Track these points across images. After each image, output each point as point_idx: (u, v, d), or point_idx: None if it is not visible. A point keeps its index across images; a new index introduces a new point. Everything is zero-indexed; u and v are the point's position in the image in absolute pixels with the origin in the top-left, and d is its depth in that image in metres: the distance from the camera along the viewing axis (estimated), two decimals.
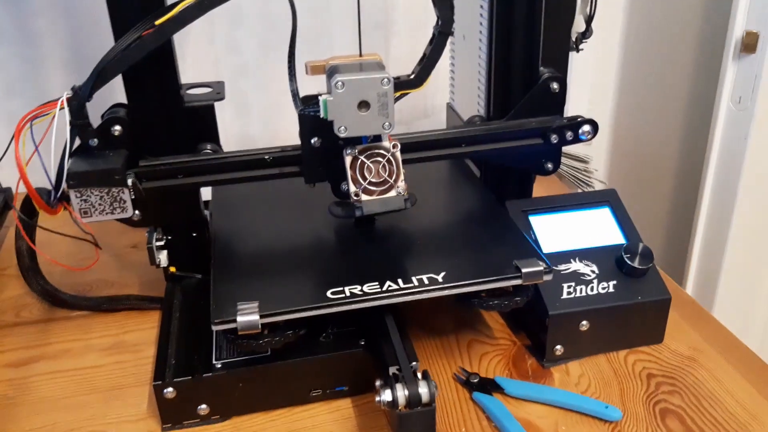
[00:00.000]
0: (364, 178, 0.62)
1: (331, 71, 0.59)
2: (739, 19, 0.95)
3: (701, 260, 1.11)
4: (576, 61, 1.15)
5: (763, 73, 0.94)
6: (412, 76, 0.63)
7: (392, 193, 0.63)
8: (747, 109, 0.97)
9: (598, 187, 1.14)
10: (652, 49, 1.21)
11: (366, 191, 0.62)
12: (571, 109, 1.20)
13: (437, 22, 0.62)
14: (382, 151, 0.62)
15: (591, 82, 1.20)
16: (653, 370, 0.66)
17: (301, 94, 0.63)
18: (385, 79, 0.57)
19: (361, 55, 0.63)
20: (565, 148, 1.12)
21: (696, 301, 0.77)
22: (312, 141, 0.63)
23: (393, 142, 0.62)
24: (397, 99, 0.62)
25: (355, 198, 0.62)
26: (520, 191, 0.77)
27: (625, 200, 0.74)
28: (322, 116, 0.58)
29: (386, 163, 0.62)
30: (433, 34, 0.63)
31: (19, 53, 0.96)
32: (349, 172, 0.62)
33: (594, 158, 1.18)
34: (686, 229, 1.15)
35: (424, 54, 0.64)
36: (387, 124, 0.59)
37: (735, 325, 0.74)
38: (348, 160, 0.62)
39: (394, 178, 0.62)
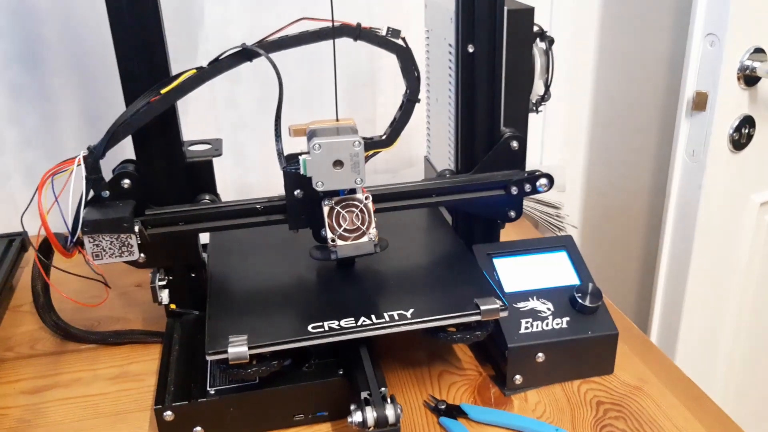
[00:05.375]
0: (340, 226, 0.70)
1: (310, 134, 0.68)
2: (689, 80, 1.04)
3: (664, 298, 1.18)
4: (550, 117, 1.25)
5: (712, 129, 1.03)
6: (383, 137, 0.72)
7: (364, 239, 0.71)
8: (699, 162, 1.06)
9: (570, 230, 1.22)
10: (620, 106, 1.30)
11: (341, 237, 0.70)
12: (546, 161, 1.29)
13: (406, 91, 0.71)
14: (355, 202, 0.70)
15: (564, 135, 1.30)
16: (602, 398, 0.73)
17: (288, 149, 0.71)
18: (357, 142, 0.66)
19: (337, 119, 0.72)
20: (539, 195, 1.21)
21: (645, 335, 0.85)
22: (295, 193, 0.71)
23: (366, 194, 0.70)
24: (370, 157, 0.70)
25: (331, 243, 0.70)
26: (488, 236, 0.85)
27: (596, 242, 0.82)
28: (302, 173, 0.67)
29: (359, 213, 0.70)
30: (403, 101, 0.72)
31: (37, 109, 1.05)
32: (326, 221, 0.70)
33: (567, 205, 1.27)
34: (654, 269, 1.22)
35: (395, 118, 0.73)
36: (359, 179, 0.67)
37: (697, 359, 0.81)
38: (326, 210, 0.70)
39: (366, 225, 0.71)
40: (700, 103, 1.03)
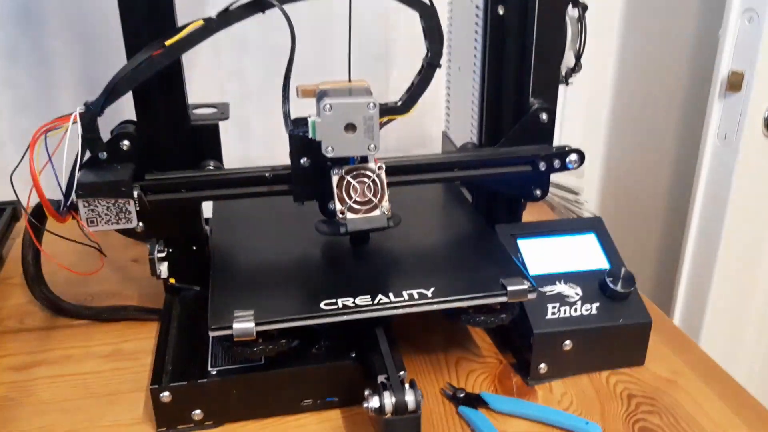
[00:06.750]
0: (350, 197, 0.65)
1: (320, 95, 0.62)
2: (725, 59, 0.99)
3: (688, 288, 1.13)
4: (570, 96, 1.20)
5: (747, 111, 0.97)
6: (399, 104, 0.67)
7: (376, 213, 0.65)
8: (732, 145, 1.00)
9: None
10: (643, 86, 1.25)
11: (351, 210, 0.65)
12: (564, 142, 1.24)
13: (427, 54, 0.66)
14: (367, 172, 0.65)
15: (584, 117, 1.24)
16: (634, 390, 0.68)
17: (294, 116, 0.66)
18: (371, 104, 0.61)
19: (350, 81, 0.66)
20: (557, 180, 1.15)
21: (677, 327, 0.79)
22: (301, 161, 0.65)
23: (379, 164, 0.65)
24: (384, 124, 0.65)
25: (340, 216, 0.65)
26: (510, 216, 0.80)
27: (615, 231, 0.77)
28: (310, 137, 0.61)
29: (371, 184, 0.65)
30: (422, 66, 0.66)
31: (32, 72, 0.99)
32: (335, 191, 0.64)
33: (586, 190, 1.22)
34: (675, 259, 1.17)
35: (412, 83, 0.67)
36: (372, 146, 0.62)
37: (721, 350, 0.76)
38: (335, 179, 0.64)
39: (378, 197, 0.65)
40: (735, 83, 0.97)
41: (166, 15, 0.63)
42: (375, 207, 0.65)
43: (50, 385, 0.68)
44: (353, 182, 0.64)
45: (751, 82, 0.96)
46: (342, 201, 0.65)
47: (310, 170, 0.66)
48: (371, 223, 0.65)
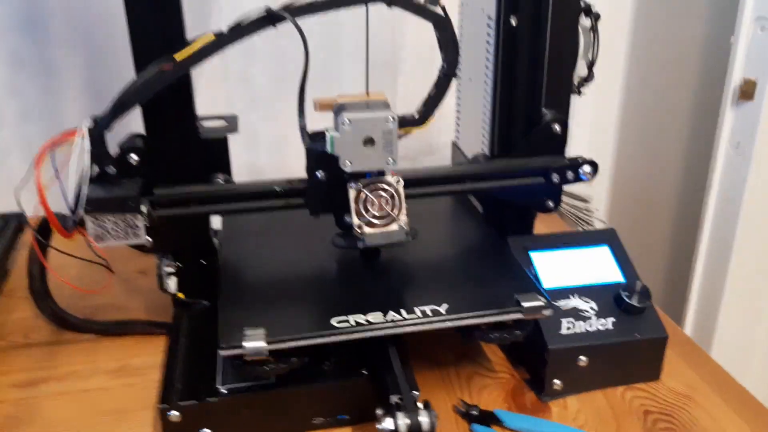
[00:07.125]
0: (367, 211, 0.64)
1: (338, 109, 0.61)
2: (737, 67, 0.97)
3: (700, 300, 1.12)
4: (578, 104, 1.18)
5: (760, 120, 0.96)
6: (416, 116, 0.66)
7: (394, 227, 0.64)
8: (745, 154, 0.99)
9: (599, 226, 1.15)
10: (652, 94, 1.24)
11: (369, 224, 0.64)
12: (572, 151, 1.23)
13: (442, 65, 0.65)
14: (385, 186, 0.64)
15: (592, 125, 1.23)
16: (650, 406, 0.67)
17: (309, 128, 0.65)
18: (390, 118, 0.60)
19: (367, 93, 0.65)
20: (567, 188, 1.14)
21: (692, 340, 0.78)
22: (318, 174, 0.64)
23: (396, 177, 0.64)
24: (400, 136, 0.64)
25: (358, 230, 0.64)
26: (522, 228, 0.78)
27: (624, 240, 0.76)
28: (328, 151, 0.61)
29: (389, 198, 0.64)
30: (438, 76, 0.66)
31: (37, 81, 0.98)
32: (353, 205, 0.64)
33: (595, 198, 1.20)
34: (685, 269, 1.16)
35: (429, 95, 0.66)
36: (391, 160, 0.61)
37: (732, 364, 0.75)
38: (352, 193, 0.63)
39: (396, 212, 0.64)
40: (747, 91, 0.96)
41: (175, 28, 0.62)
42: (393, 221, 0.64)
43: (56, 402, 0.66)
44: (371, 196, 0.63)
45: (763, 90, 0.95)
46: (359, 215, 0.64)
47: (327, 184, 0.65)
48: (389, 238, 0.64)
